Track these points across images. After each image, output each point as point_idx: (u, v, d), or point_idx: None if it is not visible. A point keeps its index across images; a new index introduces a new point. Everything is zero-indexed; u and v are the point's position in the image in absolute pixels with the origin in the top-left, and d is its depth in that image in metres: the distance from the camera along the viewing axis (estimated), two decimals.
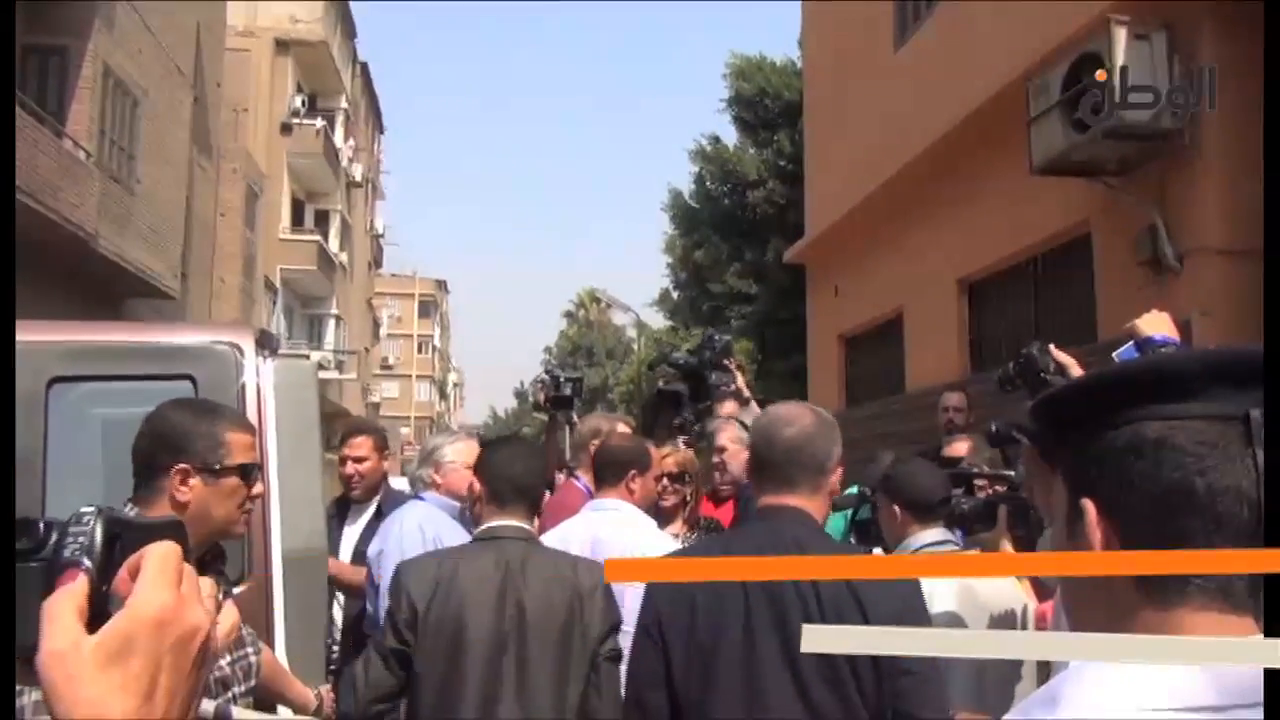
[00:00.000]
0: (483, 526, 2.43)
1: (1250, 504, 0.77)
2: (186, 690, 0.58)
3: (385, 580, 2.77)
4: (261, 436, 2.43)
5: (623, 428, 3.84)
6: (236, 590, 2.41)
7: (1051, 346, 2.59)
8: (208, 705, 1.17)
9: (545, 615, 2.24)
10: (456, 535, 3.03)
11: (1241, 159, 6.04)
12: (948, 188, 9.17)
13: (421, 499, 3.54)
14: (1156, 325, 2.34)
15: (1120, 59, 6.04)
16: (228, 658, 1.87)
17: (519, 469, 2.44)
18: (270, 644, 2.40)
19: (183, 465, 1.79)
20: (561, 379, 4.76)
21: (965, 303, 9.45)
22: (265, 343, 2.58)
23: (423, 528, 3.19)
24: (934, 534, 2.65)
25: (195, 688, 0.59)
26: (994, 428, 2.83)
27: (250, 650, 1.96)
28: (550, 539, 2.88)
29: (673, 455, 3.64)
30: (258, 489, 1.96)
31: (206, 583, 0.63)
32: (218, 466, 1.83)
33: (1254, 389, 0.80)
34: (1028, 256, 8.37)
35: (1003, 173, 7.94)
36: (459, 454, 3.56)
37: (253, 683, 1.94)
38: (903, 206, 10.02)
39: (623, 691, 2.16)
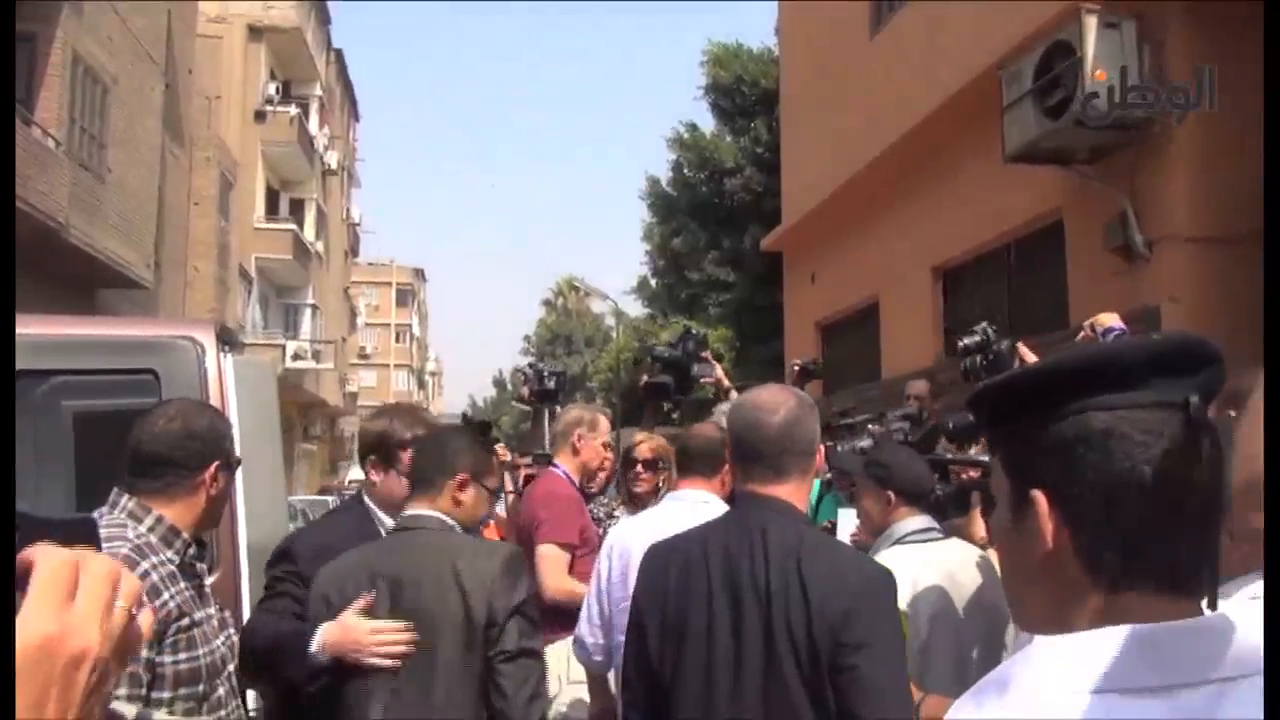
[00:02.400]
0: (404, 515, 2.26)
1: (1193, 489, 0.79)
2: (79, 711, 0.57)
3: None
4: None
5: (603, 419, 3.85)
6: (210, 579, 2.43)
7: (1020, 345, 2.61)
8: (127, 709, 1.18)
9: (437, 611, 2.09)
10: None
11: (1211, 148, 6.10)
12: (923, 176, 9.21)
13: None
14: (1112, 319, 2.38)
15: (1091, 48, 6.10)
16: (221, 638, 1.99)
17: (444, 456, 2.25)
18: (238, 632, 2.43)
19: (219, 462, 1.99)
20: (545, 373, 4.84)
21: (939, 290, 9.52)
22: (226, 338, 2.59)
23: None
24: (920, 521, 2.66)
25: (90, 709, 0.58)
26: (950, 424, 2.84)
27: (232, 631, 2.11)
28: (641, 526, 2.69)
29: (647, 442, 3.65)
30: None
31: (131, 584, 0.61)
32: (236, 461, 2.07)
33: (1193, 375, 0.82)
34: (1001, 244, 8.43)
35: (977, 161, 7.99)
36: None
37: (235, 661, 2.08)
38: (878, 194, 10.06)
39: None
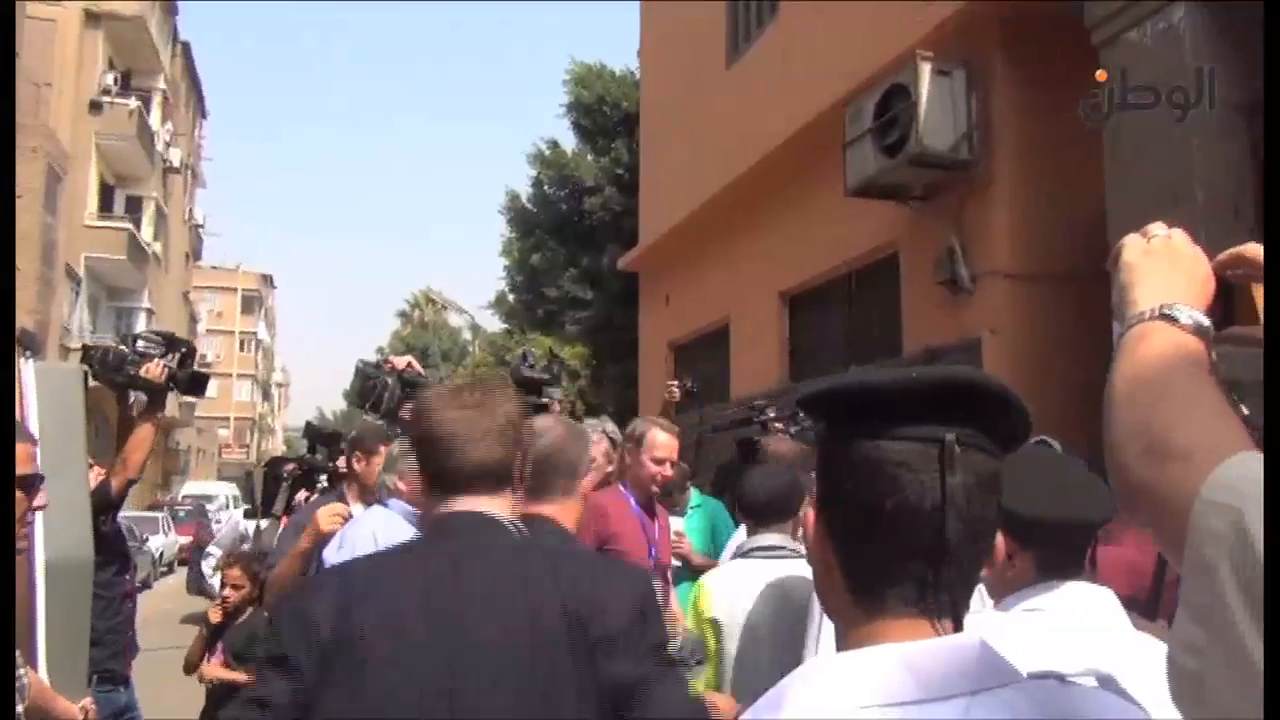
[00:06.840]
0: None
1: (951, 521, 0.83)
2: None
3: None
4: None
5: (657, 432, 3.60)
6: None
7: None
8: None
9: None
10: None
11: (1030, 191, 6.58)
12: (772, 204, 9.52)
13: (385, 504, 3.35)
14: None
15: (925, 92, 6.47)
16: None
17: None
18: (32, 657, 2.27)
19: None
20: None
21: (786, 314, 9.84)
22: (26, 341, 2.43)
23: (376, 536, 2.99)
24: (773, 538, 2.72)
25: None
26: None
27: (21, 672, 1.95)
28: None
29: None
30: (39, 500, 1.94)
31: None
32: None
33: (954, 411, 0.86)
34: (843, 272, 8.79)
35: (822, 192, 8.31)
36: None
37: (25, 704, 1.93)
38: (731, 219, 10.33)
39: None
